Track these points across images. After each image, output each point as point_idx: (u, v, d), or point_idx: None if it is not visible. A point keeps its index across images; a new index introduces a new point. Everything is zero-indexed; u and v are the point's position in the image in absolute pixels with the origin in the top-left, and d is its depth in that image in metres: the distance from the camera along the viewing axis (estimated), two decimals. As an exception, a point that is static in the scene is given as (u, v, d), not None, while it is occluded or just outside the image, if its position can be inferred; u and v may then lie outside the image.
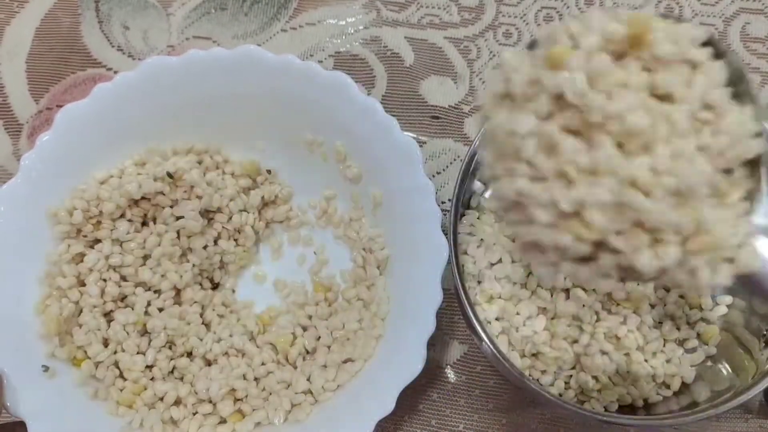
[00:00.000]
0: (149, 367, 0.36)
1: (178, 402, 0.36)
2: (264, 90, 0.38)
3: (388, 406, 0.33)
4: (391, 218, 0.38)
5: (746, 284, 0.33)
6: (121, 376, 0.36)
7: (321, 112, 0.38)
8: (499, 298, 0.35)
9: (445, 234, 0.34)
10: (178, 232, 0.38)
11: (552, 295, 0.34)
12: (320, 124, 0.39)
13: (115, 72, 0.45)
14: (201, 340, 0.37)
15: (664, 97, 0.20)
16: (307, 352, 0.37)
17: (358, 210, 0.40)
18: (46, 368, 0.35)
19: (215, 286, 0.40)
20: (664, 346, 0.34)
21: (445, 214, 0.41)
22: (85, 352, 0.36)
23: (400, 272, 0.37)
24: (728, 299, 0.34)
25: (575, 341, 0.34)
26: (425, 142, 0.43)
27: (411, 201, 0.36)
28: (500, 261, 0.35)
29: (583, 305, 0.33)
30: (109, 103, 0.38)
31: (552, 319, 0.34)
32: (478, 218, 0.37)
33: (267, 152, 0.41)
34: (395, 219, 0.37)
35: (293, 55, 0.37)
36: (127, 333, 0.36)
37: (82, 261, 0.37)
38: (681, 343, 0.34)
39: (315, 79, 0.37)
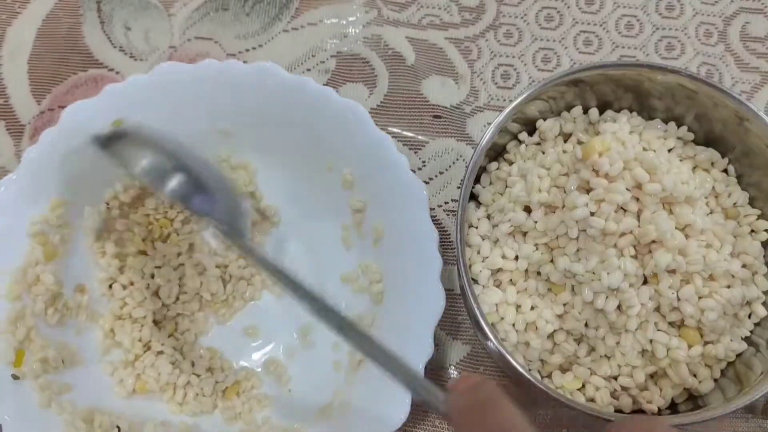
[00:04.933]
0: None
1: None
2: (275, 108, 0.38)
3: None
4: (391, 256, 0.37)
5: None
6: None
7: (333, 138, 0.38)
8: (504, 303, 0.35)
9: (451, 245, 0.34)
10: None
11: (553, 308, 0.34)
12: (332, 151, 0.38)
13: (117, 72, 0.45)
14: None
15: None
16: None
17: (360, 239, 0.40)
18: (15, 377, 0.34)
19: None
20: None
21: (447, 214, 0.41)
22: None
23: (392, 312, 0.37)
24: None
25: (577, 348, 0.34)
26: (427, 142, 0.43)
27: (412, 244, 0.36)
28: (503, 268, 0.35)
29: (586, 324, 0.33)
30: (119, 105, 0.37)
31: (554, 331, 0.34)
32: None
33: (268, 167, 0.41)
34: (396, 258, 0.37)
35: (310, 78, 0.37)
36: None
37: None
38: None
39: (329, 105, 0.37)
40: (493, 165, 0.37)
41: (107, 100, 0.37)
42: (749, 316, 0.34)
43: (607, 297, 0.32)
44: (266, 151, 0.40)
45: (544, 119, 0.37)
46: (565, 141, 0.37)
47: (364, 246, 0.39)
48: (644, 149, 0.35)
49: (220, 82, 0.38)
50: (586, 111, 0.37)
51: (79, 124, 0.37)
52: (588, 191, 0.32)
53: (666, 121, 0.37)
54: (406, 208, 0.36)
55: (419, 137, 0.43)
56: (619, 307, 0.32)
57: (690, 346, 0.32)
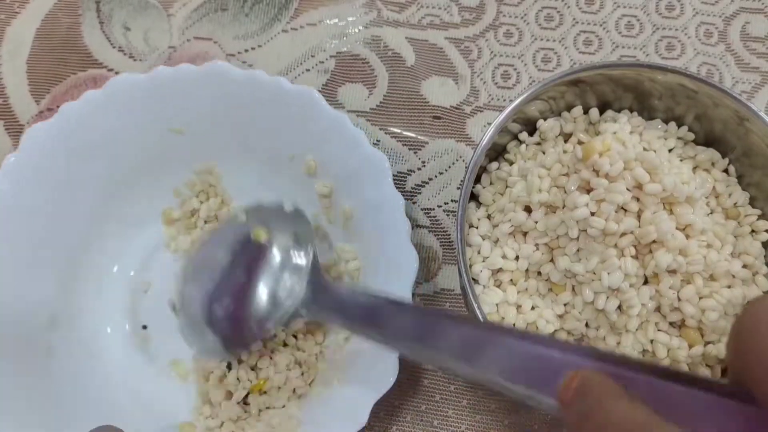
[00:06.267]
0: None
1: None
2: (231, 106, 0.38)
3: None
4: (361, 232, 0.38)
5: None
6: None
7: (291, 127, 0.38)
8: (505, 303, 0.35)
9: (450, 237, 0.34)
10: None
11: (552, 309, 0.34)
12: (292, 140, 0.38)
13: (116, 72, 0.45)
14: None
15: None
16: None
17: (330, 224, 0.40)
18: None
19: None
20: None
21: (447, 214, 0.41)
22: None
23: (370, 282, 0.37)
24: None
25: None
26: (427, 143, 0.43)
27: (380, 214, 0.36)
28: (503, 268, 0.35)
29: (586, 324, 0.33)
30: (76, 123, 0.37)
31: (555, 331, 0.34)
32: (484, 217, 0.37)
33: (238, 170, 0.41)
34: (366, 233, 0.37)
35: (261, 71, 0.37)
36: None
37: None
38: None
39: (282, 94, 0.37)
40: (494, 165, 0.37)
41: (65, 120, 0.37)
42: (750, 317, 0.33)
43: (607, 297, 0.32)
44: (228, 151, 0.40)
45: (545, 119, 0.37)
46: (566, 141, 0.37)
47: (335, 230, 0.39)
48: (645, 149, 0.34)
49: (173, 88, 0.38)
50: (586, 111, 0.37)
51: (39, 146, 0.37)
52: (588, 191, 0.32)
53: (666, 121, 0.36)
54: (370, 182, 0.36)
55: (419, 137, 0.43)
56: (619, 307, 0.32)
57: (691, 347, 0.32)
